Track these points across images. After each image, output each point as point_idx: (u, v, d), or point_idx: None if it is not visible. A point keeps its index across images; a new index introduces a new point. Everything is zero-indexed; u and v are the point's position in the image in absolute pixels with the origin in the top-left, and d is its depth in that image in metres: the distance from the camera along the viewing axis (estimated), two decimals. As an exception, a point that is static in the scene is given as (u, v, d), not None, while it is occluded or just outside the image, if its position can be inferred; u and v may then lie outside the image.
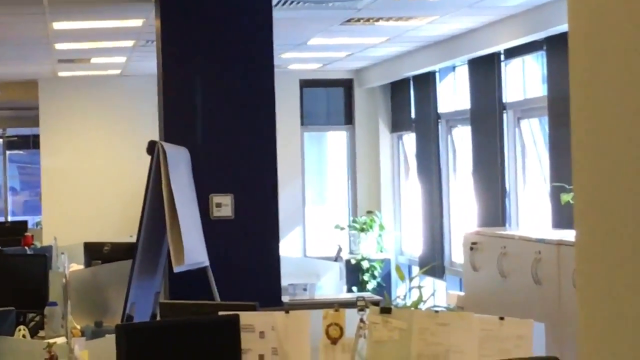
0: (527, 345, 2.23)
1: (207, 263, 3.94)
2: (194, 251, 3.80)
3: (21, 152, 12.28)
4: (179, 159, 3.67)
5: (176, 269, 3.70)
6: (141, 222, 3.56)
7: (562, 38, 4.57)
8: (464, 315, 2.66)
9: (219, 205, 3.98)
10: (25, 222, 7.30)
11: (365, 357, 2.28)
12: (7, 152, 11.09)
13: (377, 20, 5.43)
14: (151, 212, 3.67)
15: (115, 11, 5.01)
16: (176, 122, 3.88)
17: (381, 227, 7.55)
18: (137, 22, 5.20)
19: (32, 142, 10.58)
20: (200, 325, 2.36)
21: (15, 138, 11.49)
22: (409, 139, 7.66)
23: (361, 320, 2.26)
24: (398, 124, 7.88)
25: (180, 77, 3.90)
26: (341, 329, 2.30)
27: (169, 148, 3.53)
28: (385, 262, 7.50)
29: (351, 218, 7.86)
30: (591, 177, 0.74)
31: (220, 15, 4.10)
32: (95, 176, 7.63)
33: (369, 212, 7.68)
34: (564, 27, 4.23)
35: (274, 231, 4.22)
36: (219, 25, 4.06)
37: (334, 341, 2.28)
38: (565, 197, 4.16)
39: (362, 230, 7.58)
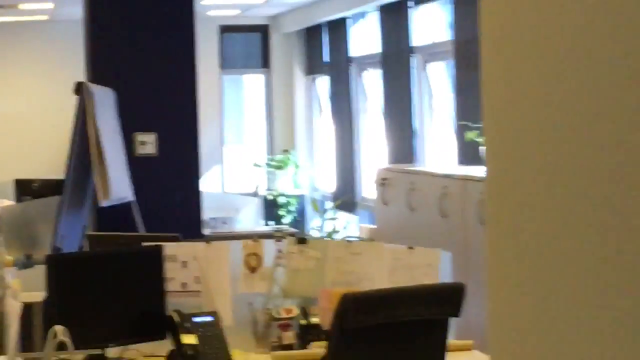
0: (435, 273, 2.31)
1: (131, 198, 4.17)
2: (119, 187, 4.01)
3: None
4: (104, 99, 3.83)
5: (102, 204, 3.92)
6: (69, 159, 3.74)
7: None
8: (375, 245, 2.80)
9: (143, 143, 4.19)
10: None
11: (283, 285, 2.33)
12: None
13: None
14: (78, 150, 3.83)
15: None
16: (101, 64, 4.02)
17: (296, 165, 7.98)
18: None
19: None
20: (126, 255, 2.41)
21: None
22: (323, 82, 7.98)
23: (279, 251, 2.34)
24: (312, 68, 8.19)
25: (105, 21, 4.02)
26: (259, 258, 2.33)
27: (95, 88, 3.68)
28: (300, 198, 7.90)
29: (268, 157, 8.23)
30: (499, 116, 0.72)
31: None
32: (25, 118, 7.70)
33: (285, 151, 8.07)
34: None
35: (196, 168, 4.49)
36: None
37: (252, 270, 2.32)
38: (470, 135, 4.27)
39: (279, 168, 7.97)
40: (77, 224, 4.06)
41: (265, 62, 8.30)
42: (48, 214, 3.92)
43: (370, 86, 7.14)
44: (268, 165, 8.06)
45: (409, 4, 6.13)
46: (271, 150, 8.29)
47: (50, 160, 6.29)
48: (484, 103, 0.74)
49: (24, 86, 7.94)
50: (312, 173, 8.16)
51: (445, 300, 1.91)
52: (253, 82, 8.81)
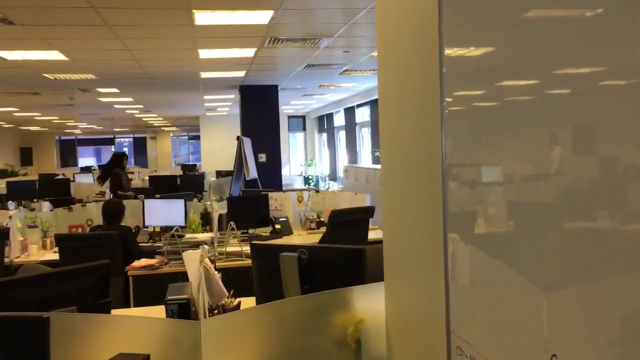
0: (363, 198, 8.78)
1: (256, 176, 10.97)
2: (252, 172, 10.83)
3: None
4: (247, 141, 10.75)
5: (247, 178, 10.71)
6: (235, 161, 10.68)
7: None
8: (343, 193, 9.32)
9: (261, 157, 11.13)
10: None
11: (310, 207, 8.79)
12: None
13: None
14: (238, 158, 10.75)
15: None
16: (246, 129, 11.12)
17: (314, 164, 15.00)
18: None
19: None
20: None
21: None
22: (324, 136, 15.04)
23: (309, 194, 9.00)
24: (321, 129, 15.49)
25: (246, 114, 11.23)
26: (302, 196, 9.01)
27: (244, 138, 10.59)
28: (316, 177, 14.77)
29: (306, 161, 15.69)
30: (385, 144, 4.86)
31: None
32: (219, 147, 16.95)
33: (311, 160, 15.24)
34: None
35: (279, 166, 11.47)
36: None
37: (300, 200, 9.06)
38: (377, 153, 10.68)
39: (309, 165, 15.20)
40: (237, 186, 10.84)
41: (304, 127, 16.15)
42: (228, 183, 10.80)
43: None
44: (306, 164, 15.66)
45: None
46: (307, 158, 15.87)
47: (227, 162, 13.85)
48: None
49: (219, 135, 16.50)
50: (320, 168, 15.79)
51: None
52: (299, 137, 17.15)
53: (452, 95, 1.48)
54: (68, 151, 29.25)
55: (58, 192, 10.74)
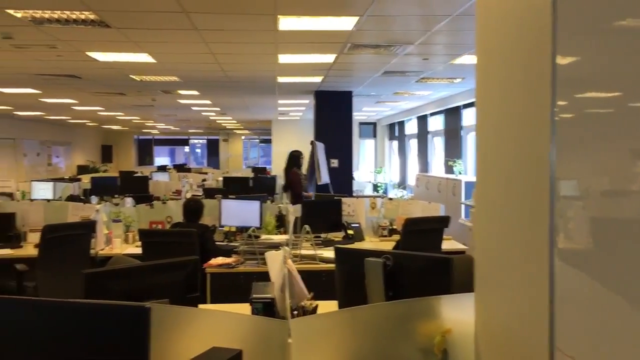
0: (437, 208, 8.74)
1: (328, 181, 11.04)
2: (324, 177, 10.90)
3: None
4: (320, 146, 10.84)
5: (319, 182, 10.79)
6: (309, 165, 10.78)
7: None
8: (415, 201, 9.23)
9: (333, 162, 11.19)
10: None
11: (383, 214, 8.84)
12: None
13: None
14: (311, 162, 10.84)
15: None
16: (319, 134, 11.22)
17: (383, 171, 14.82)
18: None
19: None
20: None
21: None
22: (395, 144, 14.82)
23: (382, 201, 8.99)
24: (391, 137, 15.22)
25: (320, 117, 11.32)
26: (375, 203, 9.03)
27: (317, 142, 10.68)
28: (385, 184, 14.64)
29: (376, 168, 15.44)
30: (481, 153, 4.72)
31: None
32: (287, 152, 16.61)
33: (380, 167, 15.10)
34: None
35: (350, 172, 11.50)
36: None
37: (373, 207, 9.06)
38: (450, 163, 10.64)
39: (379, 172, 15.06)
40: (310, 187, 10.95)
41: (374, 134, 16.14)
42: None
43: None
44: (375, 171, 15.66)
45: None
46: (376, 165, 16.03)
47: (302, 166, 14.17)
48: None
49: (291, 140, 16.49)
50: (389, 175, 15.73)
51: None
52: (369, 144, 17.50)
53: (564, 102, 1.44)
54: (145, 150, 30.40)
55: (137, 189, 11.15)
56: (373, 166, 19.54)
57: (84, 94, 11.34)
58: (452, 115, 12.76)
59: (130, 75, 8.72)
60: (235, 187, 10.68)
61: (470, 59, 7.34)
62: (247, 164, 30.01)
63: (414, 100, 13.39)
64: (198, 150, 32.44)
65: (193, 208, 5.92)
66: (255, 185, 11.63)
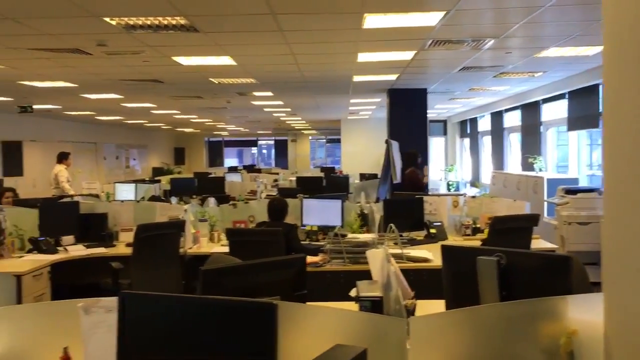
0: (522, 206, 8.49)
1: (400, 181, 10.93)
2: (398, 175, 10.80)
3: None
4: (394, 144, 10.75)
5: (394, 182, 10.70)
6: (384, 165, 10.70)
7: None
8: (497, 198, 8.97)
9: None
10: None
11: (465, 212, 8.62)
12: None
13: None
14: (385, 162, 10.77)
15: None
16: (393, 133, 11.12)
17: (455, 169, 14.49)
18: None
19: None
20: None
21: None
22: (467, 141, 14.34)
23: (464, 199, 8.77)
24: (462, 134, 14.76)
25: (393, 117, 11.22)
26: (457, 201, 8.84)
27: (391, 140, 10.60)
28: (457, 182, 14.36)
29: (446, 166, 15.13)
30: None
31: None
32: (362, 151, 19.20)
33: (451, 165, 14.75)
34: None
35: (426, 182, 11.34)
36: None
37: (455, 205, 8.89)
38: (530, 160, 10.32)
39: (450, 170, 14.67)
40: (384, 189, 10.87)
41: (444, 132, 16.17)
42: (374, 186, 10.88)
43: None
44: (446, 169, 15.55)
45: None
46: (447, 163, 16.21)
47: (367, 165, 14.09)
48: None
49: (360, 139, 17.19)
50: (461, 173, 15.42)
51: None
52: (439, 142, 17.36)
53: None
54: (215, 151, 31.11)
55: (214, 190, 11.39)
56: (443, 164, 19.25)
57: (163, 98, 11.72)
58: (530, 110, 12.36)
59: (210, 79, 8.93)
60: (308, 187, 10.74)
61: (555, 52, 7.09)
62: (314, 163, 30.20)
63: (488, 96, 13.08)
64: (264, 151, 32.91)
65: (278, 207, 5.98)
66: (327, 185, 11.66)
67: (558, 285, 2.37)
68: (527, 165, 11.72)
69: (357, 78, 9.28)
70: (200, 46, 6.34)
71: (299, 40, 6.12)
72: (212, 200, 8.18)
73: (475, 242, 6.42)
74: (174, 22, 5.18)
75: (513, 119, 14.16)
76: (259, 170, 19.31)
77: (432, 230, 6.65)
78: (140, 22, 5.19)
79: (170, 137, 28.52)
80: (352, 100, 13.12)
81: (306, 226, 6.82)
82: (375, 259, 3.30)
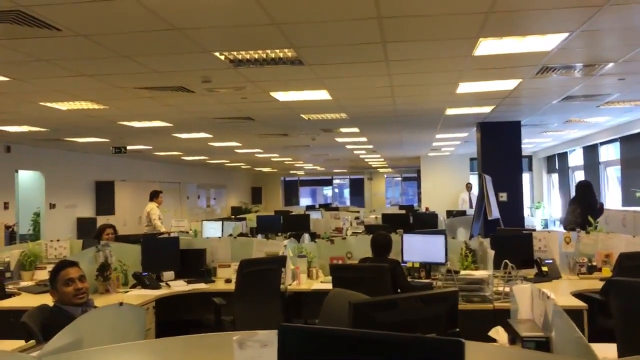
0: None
1: (498, 216, 10.43)
2: (494, 212, 10.33)
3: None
4: (488, 178, 10.32)
5: (489, 218, 10.24)
6: (477, 201, 10.27)
7: None
8: (614, 234, 8.35)
9: (502, 196, 10.57)
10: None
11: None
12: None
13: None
14: (479, 196, 10.35)
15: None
16: (486, 168, 10.70)
17: (543, 207, 13.65)
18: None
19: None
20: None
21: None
22: (555, 177, 13.55)
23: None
24: (550, 170, 13.98)
25: (484, 155, 10.84)
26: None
27: (486, 175, 10.19)
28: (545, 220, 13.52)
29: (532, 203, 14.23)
30: None
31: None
32: (446, 187, 18.18)
33: (539, 202, 13.85)
34: None
35: (522, 209, 10.76)
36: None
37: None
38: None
39: (537, 207, 13.88)
40: (477, 226, 10.43)
41: (529, 167, 15.70)
42: (463, 222, 10.46)
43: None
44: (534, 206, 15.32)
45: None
46: (533, 199, 15.66)
47: (446, 202, 13.78)
48: None
49: (440, 176, 16.90)
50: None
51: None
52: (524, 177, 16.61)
53: None
54: (291, 191, 31.34)
55: (298, 227, 11.31)
56: (529, 201, 18.46)
57: (249, 136, 11.84)
58: (632, 142, 11.65)
59: (301, 114, 8.91)
60: (394, 224, 10.46)
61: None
62: (390, 202, 29.83)
63: (583, 129, 12.47)
64: (336, 190, 32.83)
65: (383, 242, 5.75)
66: (415, 222, 11.34)
67: None
68: (631, 200, 10.99)
69: (450, 111, 9.03)
70: (300, 80, 6.31)
71: (401, 71, 5.98)
72: (306, 237, 8.05)
73: (593, 281, 5.95)
74: (281, 54, 5.15)
75: (609, 152, 13.43)
76: (336, 209, 19.18)
77: (544, 268, 6.21)
78: (247, 56, 5.19)
79: (248, 176, 29.00)
80: (437, 136, 12.83)
81: (407, 262, 6.53)
82: (524, 295, 3.01)
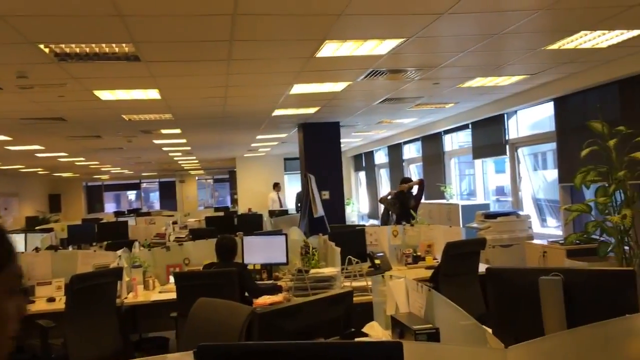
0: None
1: (323, 214, 10.79)
2: (319, 210, 10.69)
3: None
4: (312, 178, 10.64)
5: (314, 216, 10.55)
6: (302, 200, 10.52)
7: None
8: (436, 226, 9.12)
9: (325, 194, 10.98)
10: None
11: (405, 241, 8.60)
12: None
13: None
14: (304, 197, 10.62)
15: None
16: (309, 167, 11.03)
17: (352, 203, 14.70)
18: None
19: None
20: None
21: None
22: (363, 174, 14.73)
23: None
24: (358, 168, 15.08)
25: (309, 155, 11.13)
26: (397, 232, 8.87)
27: (310, 174, 10.49)
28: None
29: (347, 199, 15.19)
30: None
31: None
32: (264, 190, 16.35)
33: (349, 198, 14.90)
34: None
35: (342, 205, 11.27)
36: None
37: (395, 234, 8.86)
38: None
39: (348, 204, 14.89)
40: (303, 224, 10.71)
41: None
42: (287, 221, 10.67)
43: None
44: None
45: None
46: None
47: (263, 203, 13.90)
48: None
49: (256, 177, 16.95)
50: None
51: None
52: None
53: None
54: (94, 197, 29.26)
55: (116, 235, 10.65)
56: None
57: (55, 138, 10.77)
58: (432, 141, 12.88)
59: (122, 115, 8.33)
60: (220, 226, 10.32)
61: (477, 82, 7.42)
62: (203, 204, 29.38)
63: (390, 129, 13.47)
64: (143, 194, 31.46)
65: (229, 246, 5.61)
66: (240, 224, 11.28)
67: (621, 301, 2.34)
68: (436, 194, 12.13)
69: (277, 112, 9.12)
70: (131, 78, 5.87)
71: (240, 71, 5.87)
72: (137, 245, 7.54)
73: (421, 270, 6.43)
74: (117, 49, 4.73)
75: (411, 151, 14.73)
76: (148, 213, 18.29)
77: (377, 262, 6.56)
78: (77, 50, 4.67)
79: (45, 183, 26.37)
80: (258, 137, 12.90)
81: (248, 265, 6.46)
82: (399, 289, 3.12)
